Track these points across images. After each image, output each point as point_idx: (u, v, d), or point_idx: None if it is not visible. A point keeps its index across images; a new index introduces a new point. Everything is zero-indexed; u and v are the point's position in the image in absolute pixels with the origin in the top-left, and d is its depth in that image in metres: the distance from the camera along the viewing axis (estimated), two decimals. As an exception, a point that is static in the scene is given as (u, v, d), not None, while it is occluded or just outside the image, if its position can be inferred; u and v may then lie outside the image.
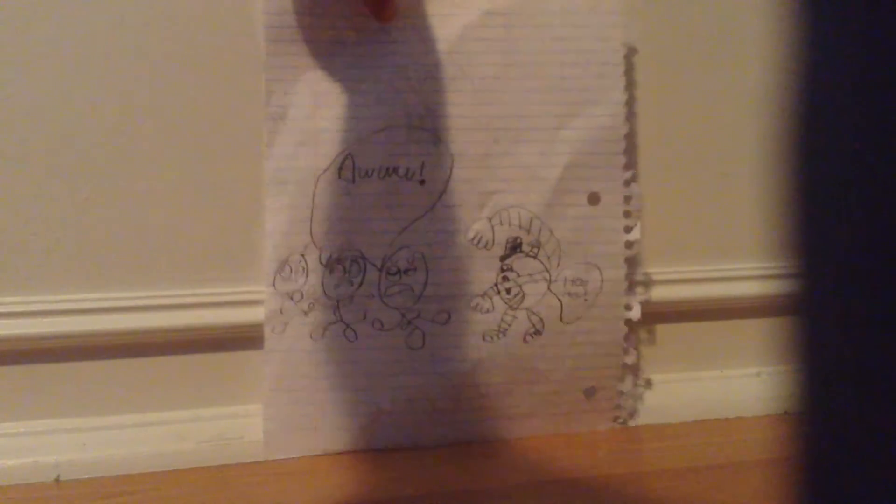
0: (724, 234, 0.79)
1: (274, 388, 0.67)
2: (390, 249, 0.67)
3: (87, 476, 0.64)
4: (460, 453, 0.69)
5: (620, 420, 0.73)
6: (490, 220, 0.68)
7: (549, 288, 0.69)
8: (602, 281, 0.70)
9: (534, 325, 0.69)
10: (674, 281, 0.77)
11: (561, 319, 0.70)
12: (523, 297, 0.69)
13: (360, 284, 0.67)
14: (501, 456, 0.69)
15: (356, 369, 0.68)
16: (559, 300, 0.70)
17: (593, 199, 0.70)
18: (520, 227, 0.69)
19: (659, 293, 0.77)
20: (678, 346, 0.79)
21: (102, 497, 0.62)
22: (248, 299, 0.69)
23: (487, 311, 0.68)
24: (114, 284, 0.68)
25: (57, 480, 0.64)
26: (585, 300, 0.70)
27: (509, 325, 0.69)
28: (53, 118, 0.66)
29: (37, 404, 0.67)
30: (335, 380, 0.67)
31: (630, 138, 0.72)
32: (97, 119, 0.66)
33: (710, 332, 0.80)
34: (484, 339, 0.69)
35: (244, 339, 0.69)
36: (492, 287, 0.68)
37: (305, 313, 0.67)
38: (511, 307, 0.69)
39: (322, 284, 0.67)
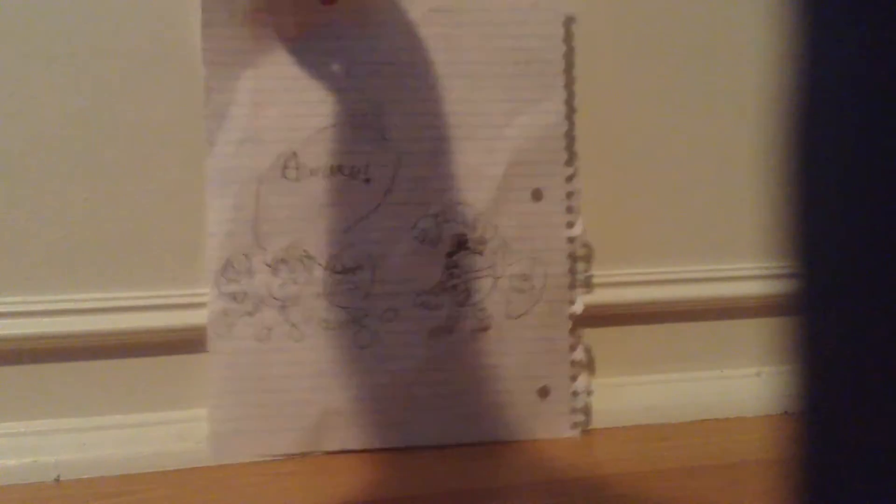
0: (723, 234, 0.79)
1: (220, 392, 0.66)
2: (336, 248, 0.67)
3: (87, 476, 0.64)
4: (460, 453, 0.69)
5: (579, 427, 0.72)
6: (436, 217, 0.68)
7: (495, 283, 0.70)
8: (546, 276, 0.71)
9: (481, 322, 0.70)
10: (674, 281, 0.77)
11: (507, 315, 0.70)
12: (470, 293, 0.69)
13: (307, 284, 0.67)
14: (502, 456, 0.69)
15: (303, 370, 0.67)
16: (505, 296, 0.70)
17: (536, 195, 0.70)
18: (465, 224, 0.69)
19: (659, 293, 0.77)
20: (678, 346, 0.79)
21: (102, 497, 0.62)
22: (248, 299, 0.69)
23: (434, 307, 0.69)
24: (114, 284, 0.68)
25: (57, 480, 0.64)
26: (531, 295, 0.70)
27: (456, 322, 0.69)
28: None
29: (37, 404, 0.67)
30: (282, 381, 0.67)
31: (570, 134, 0.72)
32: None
33: (710, 332, 0.80)
34: (431, 335, 0.69)
35: (244, 339, 0.69)
36: (438, 284, 0.69)
37: (250, 314, 0.66)
38: (458, 304, 0.69)
39: (267, 285, 0.67)
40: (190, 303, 0.68)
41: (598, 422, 0.75)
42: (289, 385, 0.67)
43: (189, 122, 0.67)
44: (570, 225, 0.71)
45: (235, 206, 0.66)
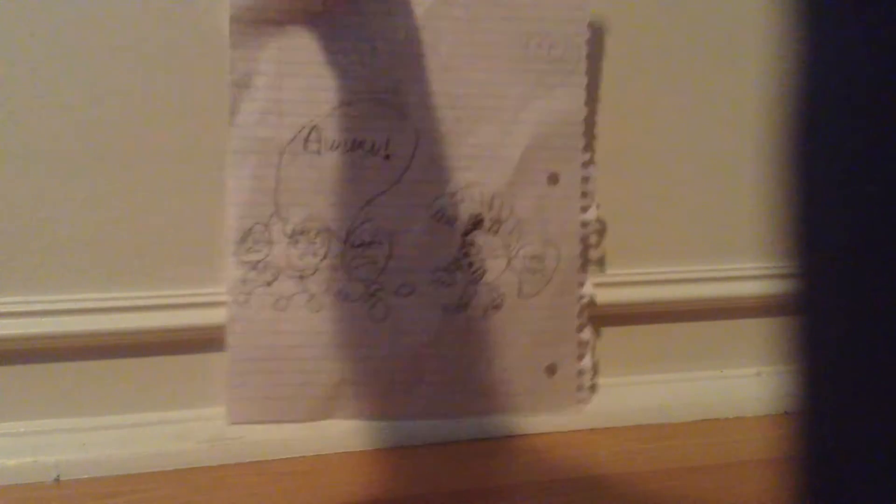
0: (723, 234, 0.79)
1: (237, 358, 0.67)
2: (355, 222, 0.68)
3: (87, 476, 0.64)
4: (461, 453, 0.69)
5: (583, 400, 0.74)
6: (453, 196, 0.69)
7: (508, 264, 0.71)
8: (559, 258, 0.71)
9: (494, 300, 0.71)
10: (674, 281, 0.77)
11: (520, 294, 0.71)
12: (484, 272, 0.70)
13: (325, 256, 0.68)
14: (502, 456, 0.69)
15: (319, 340, 0.68)
16: (518, 276, 0.71)
17: (553, 178, 0.71)
18: (482, 203, 0.70)
19: (659, 293, 0.77)
20: (678, 346, 0.79)
21: (102, 497, 0.62)
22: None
23: (449, 284, 0.70)
24: (114, 284, 0.68)
25: (57, 480, 0.64)
26: (543, 276, 0.71)
27: (470, 299, 0.70)
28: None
29: (37, 404, 0.67)
30: (298, 350, 0.68)
31: (590, 121, 0.72)
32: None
33: (710, 332, 0.80)
34: (445, 312, 0.70)
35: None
36: (453, 262, 0.70)
37: (269, 284, 0.67)
38: (472, 282, 0.70)
39: (286, 255, 0.67)
40: (190, 303, 0.68)
41: (598, 422, 0.75)
42: (304, 354, 0.68)
43: (191, 123, 0.67)
44: (585, 209, 0.72)
45: (256, 175, 0.67)
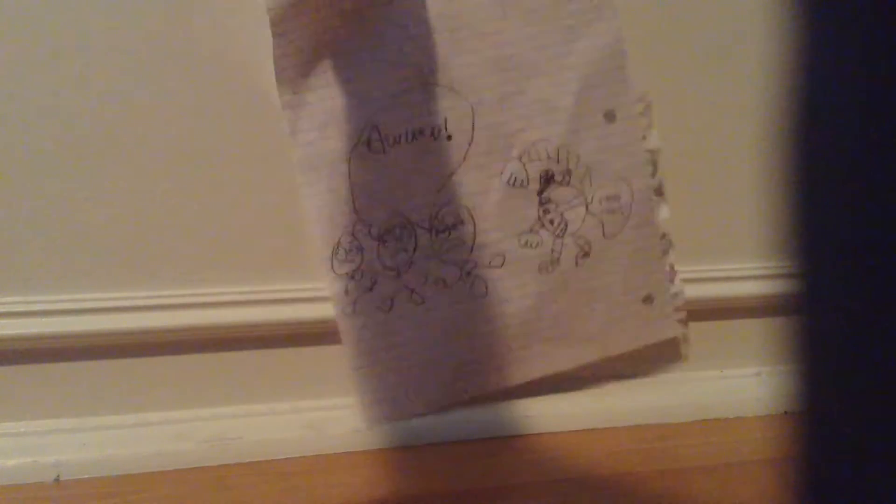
0: (724, 234, 0.79)
1: (358, 366, 0.68)
2: (434, 209, 0.69)
3: (87, 476, 0.64)
4: (461, 453, 0.69)
5: (682, 321, 0.75)
6: (520, 158, 0.70)
7: (587, 210, 0.72)
8: (633, 192, 0.72)
9: (582, 248, 0.72)
10: (674, 281, 0.77)
11: (604, 236, 0.72)
12: (566, 224, 0.71)
13: (415, 249, 0.69)
14: (502, 455, 0.69)
15: (430, 331, 0.69)
16: (599, 219, 0.72)
17: (609, 116, 0.71)
18: (549, 159, 0.70)
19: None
20: (678, 346, 0.79)
21: (102, 497, 0.62)
22: (251, 299, 0.69)
23: (537, 245, 0.71)
24: (114, 284, 0.68)
25: (57, 480, 0.64)
26: (622, 213, 0.72)
27: (560, 253, 0.71)
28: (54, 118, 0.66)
29: (37, 404, 0.67)
30: (413, 345, 0.69)
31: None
32: (101, 118, 0.66)
33: (710, 332, 0.80)
34: (540, 271, 0.71)
35: (245, 339, 0.69)
36: (536, 222, 0.71)
37: (370, 289, 0.68)
38: (557, 236, 0.71)
39: (378, 257, 0.68)
40: (191, 303, 0.68)
41: (598, 422, 0.75)
42: (419, 347, 0.69)
43: (191, 124, 0.67)
44: (646, 139, 0.73)
45: (329, 188, 0.67)
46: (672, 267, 0.74)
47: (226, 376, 0.70)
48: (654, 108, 0.73)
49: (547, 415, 0.73)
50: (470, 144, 0.69)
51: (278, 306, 0.71)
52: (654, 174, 0.73)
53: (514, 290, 0.71)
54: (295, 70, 0.67)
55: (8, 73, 0.65)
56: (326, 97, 0.67)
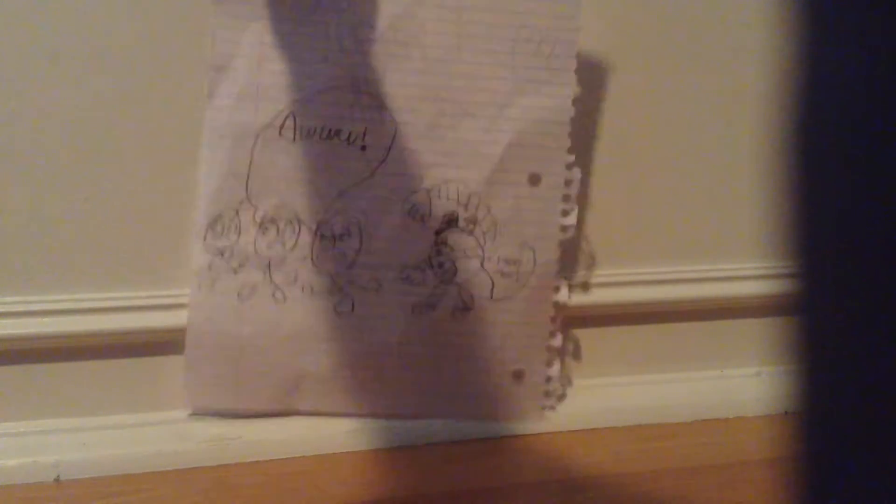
0: (723, 234, 0.79)
1: (196, 344, 0.66)
2: (326, 214, 0.66)
3: (87, 476, 0.64)
4: (461, 453, 0.69)
5: (549, 407, 0.72)
6: (429, 192, 0.67)
7: (482, 265, 0.69)
8: (535, 263, 0.69)
9: (464, 301, 0.69)
10: (674, 281, 0.77)
11: (491, 297, 0.69)
12: (455, 272, 0.68)
13: (294, 247, 0.67)
14: (502, 455, 0.69)
15: (283, 331, 0.67)
16: (491, 278, 0.69)
17: (534, 179, 0.68)
18: (458, 202, 0.68)
19: (659, 293, 0.77)
20: (678, 346, 0.79)
21: (102, 497, 0.62)
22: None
23: (418, 283, 0.68)
24: (115, 284, 0.68)
25: (57, 480, 0.64)
26: (517, 280, 0.69)
27: (439, 300, 0.68)
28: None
29: (37, 404, 0.67)
30: (261, 340, 0.67)
31: (576, 123, 0.69)
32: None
33: (710, 332, 0.80)
34: (413, 311, 0.68)
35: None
36: (425, 260, 0.68)
37: (235, 272, 0.66)
38: (442, 281, 0.68)
39: (254, 243, 0.66)
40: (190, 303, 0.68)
41: (598, 422, 0.75)
42: (266, 345, 0.67)
43: (186, 125, 0.67)
44: (566, 213, 0.70)
45: (229, 159, 0.66)
46: (555, 350, 0.71)
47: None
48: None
49: (547, 414, 0.73)
50: (382, 162, 0.67)
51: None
52: (563, 251, 0.70)
53: (380, 319, 0.68)
54: (230, 31, 0.64)
55: (8, 73, 0.64)
56: (253, 68, 0.65)
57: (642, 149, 0.76)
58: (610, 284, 0.76)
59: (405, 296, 0.68)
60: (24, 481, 0.64)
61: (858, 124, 0.25)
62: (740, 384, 0.79)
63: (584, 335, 0.77)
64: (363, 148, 0.67)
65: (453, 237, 0.68)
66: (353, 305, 0.68)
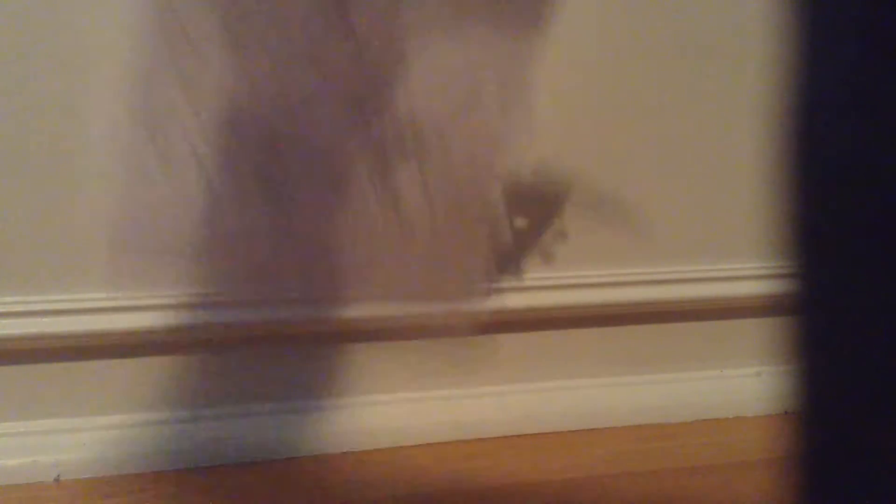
0: (723, 234, 0.79)
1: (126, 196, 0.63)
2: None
3: (87, 476, 0.64)
4: (461, 453, 0.69)
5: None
6: None
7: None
8: None
9: None
10: (674, 281, 0.77)
11: None
12: None
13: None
14: (502, 455, 0.69)
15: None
16: None
17: None
18: None
19: (659, 293, 0.77)
20: (678, 346, 0.79)
21: (102, 497, 0.62)
22: (253, 300, 0.69)
23: None
24: (114, 285, 0.68)
25: (57, 480, 0.64)
26: None
27: None
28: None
29: (37, 404, 0.67)
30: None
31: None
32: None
33: (710, 332, 0.80)
34: None
35: (241, 339, 0.70)
36: None
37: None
38: None
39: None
40: (189, 303, 0.68)
41: (598, 422, 0.75)
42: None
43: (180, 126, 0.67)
44: None
45: None
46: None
47: (225, 376, 0.70)
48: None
49: (548, 414, 0.73)
50: None
51: (288, 308, 0.71)
52: None
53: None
54: None
55: (8, 76, 0.64)
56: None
57: (641, 149, 0.76)
58: (610, 285, 0.76)
59: None
60: (24, 481, 0.64)
61: (858, 124, 0.25)
62: (740, 384, 0.79)
63: (584, 335, 0.77)
64: None
65: None
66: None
